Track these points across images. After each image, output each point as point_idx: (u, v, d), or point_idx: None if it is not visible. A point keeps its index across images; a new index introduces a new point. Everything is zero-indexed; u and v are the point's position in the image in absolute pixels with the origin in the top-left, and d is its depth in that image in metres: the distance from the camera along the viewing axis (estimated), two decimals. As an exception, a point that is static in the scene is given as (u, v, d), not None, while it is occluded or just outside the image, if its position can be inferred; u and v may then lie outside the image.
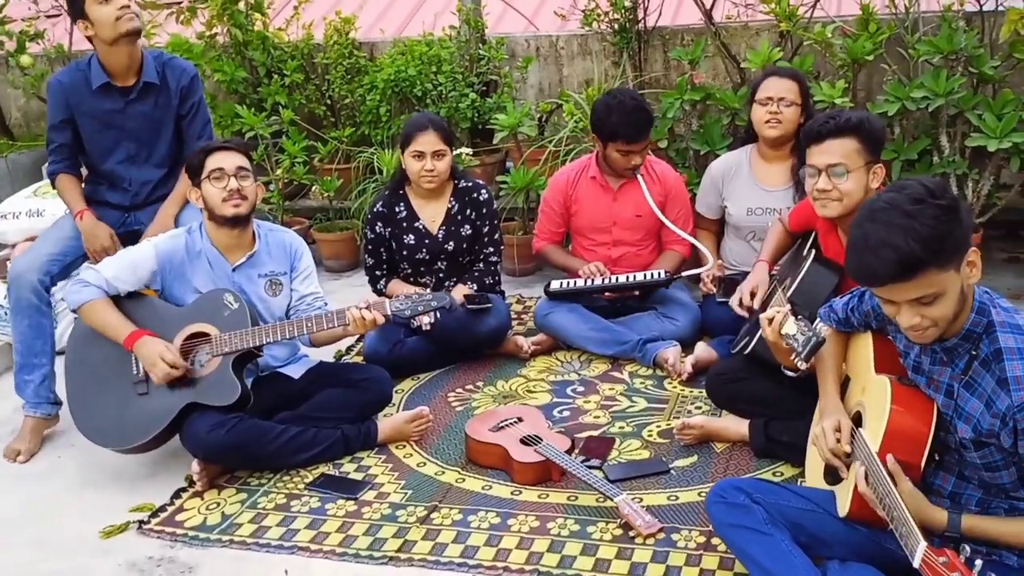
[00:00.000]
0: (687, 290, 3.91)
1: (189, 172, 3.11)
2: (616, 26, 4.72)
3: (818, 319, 2.47)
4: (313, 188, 5.11)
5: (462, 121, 4.93)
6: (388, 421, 3.17)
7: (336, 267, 5.02)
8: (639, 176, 3.78)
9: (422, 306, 3.02)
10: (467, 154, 4.66)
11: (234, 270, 3.15)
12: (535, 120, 4.83)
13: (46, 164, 3.62)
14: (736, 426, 2.98)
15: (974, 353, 1.98)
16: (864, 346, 2.35)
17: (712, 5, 4.58)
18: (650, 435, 3.11)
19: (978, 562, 1.71)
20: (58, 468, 3.17)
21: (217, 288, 3.07)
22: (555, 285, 3.81)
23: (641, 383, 3.49)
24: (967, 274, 1.92)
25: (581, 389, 3.47)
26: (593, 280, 3.73)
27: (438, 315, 3.50)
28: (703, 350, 3.50)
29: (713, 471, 2.86)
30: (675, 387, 3.43)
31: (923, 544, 1.77)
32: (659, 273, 3.73)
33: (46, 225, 3.94)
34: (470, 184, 3.82)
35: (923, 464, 2.08)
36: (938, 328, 1.95)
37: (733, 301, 3.21)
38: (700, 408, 3.23)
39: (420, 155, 3.62)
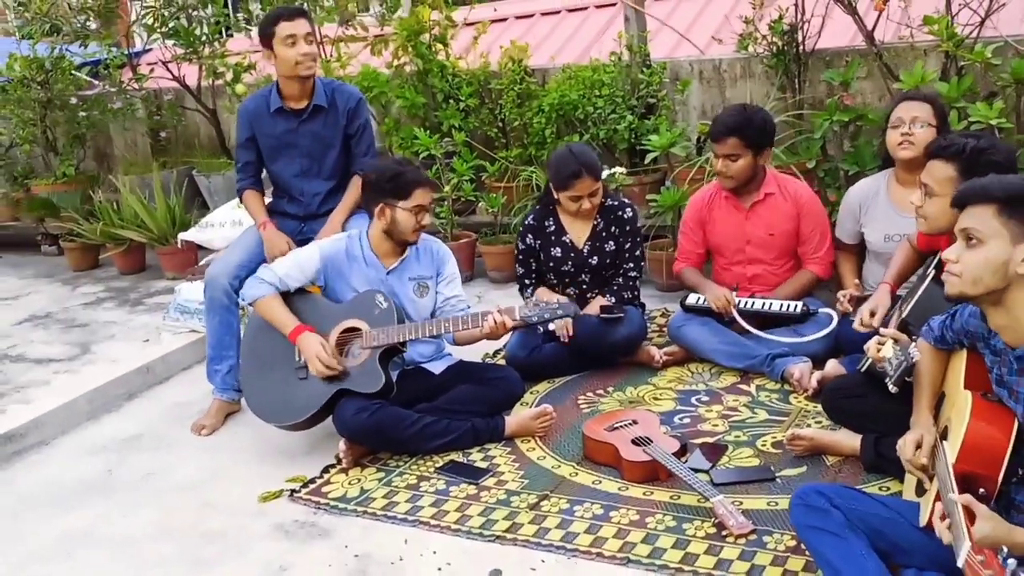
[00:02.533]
0: (827, 307, 3.92)
1: (387, 192, 3.38)
2: (775, 49, 4.78)
3: (917, 339, 2.50)
4: (480, 204, 5.46)
5: (620, 142, 5.14)
6: (515, 417, 3.42)
7: (499, 278, 5.34)
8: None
9: (548, 313, 3.25)
10: (621, 173, 4.86)
11: (388, 273, 3.51)
12: (691, 142, 4.96)
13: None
14: (849, 440, 3.01)
15: None
16: (958, 363, 2.37)
17: (874, 26, 4.55)
18: (764, 445, 3.19)
19: (1021, 573, 1.73)
20: (234, 442, 3.65)
21: (371, 289, 3.44)
22: (691, 300, 3.95)
23: (767, 396, 3.56)
24: (1018, 258, 1.96)
25: (706, 399, 3.58)
26: (724, 313, 3.83)
27: (573, 325, 3.74)
28: (832, 367, 3.52)
29: (820, 482, 2.90)
30: (800, 402, 3.48)
31: (967, 544, 1.82)
32: (795, 306, 3.78)
33: (244, 234, 4.50)
34: (616, 203, 4.02)
35: (1000, 478, 2.10)
36: (961, 280, 2.01)
37: (855, 323, 3.24)
38: (820, 423, 3.27)
39: (577, 198, 3.85)
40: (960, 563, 1.82)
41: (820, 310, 3.81)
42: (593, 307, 3.88)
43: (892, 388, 2.38)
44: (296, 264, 3.49)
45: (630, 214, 4.00)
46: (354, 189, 3.83)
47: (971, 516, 1.94)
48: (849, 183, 4.30)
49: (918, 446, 2.28)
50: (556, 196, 3.94)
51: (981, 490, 2.09)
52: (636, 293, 4.05)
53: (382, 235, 3.47)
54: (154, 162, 6.55)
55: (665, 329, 4.29)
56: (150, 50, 7.03)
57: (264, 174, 4.08)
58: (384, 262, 3.52)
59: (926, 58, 4.50)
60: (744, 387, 3.65)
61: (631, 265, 4.01)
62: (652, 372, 3.87)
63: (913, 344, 2.45)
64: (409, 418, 3.29)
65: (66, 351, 4.81)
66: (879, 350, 2.46)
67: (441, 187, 5.30)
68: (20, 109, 6.56)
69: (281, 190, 4.00)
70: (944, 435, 2.29)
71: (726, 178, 3.85)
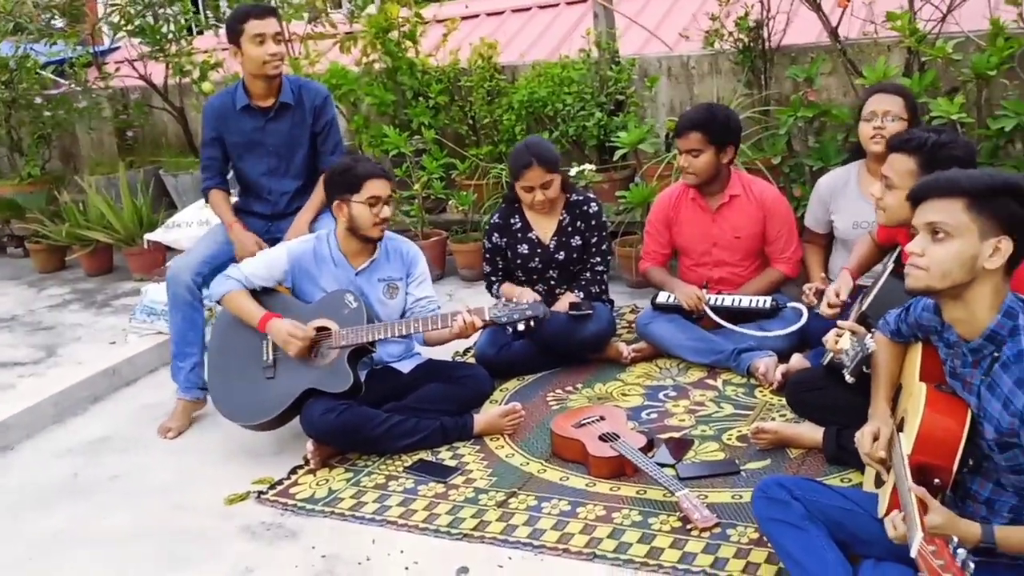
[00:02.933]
0: (796, 302, 3.95)
1: (339, 187, 3.39)
2: (740, 45, 4.81)
3: (873, 331, 2.54)
4: (450, 202, 5.46)
5: (589, 139, 5.16)
6: (483, 415, 3.43)
7: (469, 276, 5.34)
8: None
9: (518, 314, 3.26)
10: (590, 170, 4.87)
11: (357, 274, 3.50)
12: (659, 138, 4.98)
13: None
14: (811, 433, 3.04)
15: (996, 355, 2.02)
16: (915, 356, 2.40)
17: (838, 23, 4.59)
18: (729, 439, 3.22)
19: (971, 564, 1.77)
20: (202, 443, 3.63)
21: (340, 289, 3.43)
22: (661, 298, 3.97)
23: (733, 391, 3.59)
24: (986, 253, 1.97)
25: (673, 394, 3.61)
26: (694, 310, 3.85)
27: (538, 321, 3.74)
28: (797, 361, 3.55)
29: (783, 474, 2.93)
30: (765, 396, 3.51)
31: (919, 534, 1.85)
32: (765, 301, 3.81)
33: (211, 233, 4.47)
34: (581, 198, 4.04)
35: (955, 468, 2.13)
36: (926, 274, 2.02)
37: (822, 306, 3.28)
38: (784, 416, 3.30)
39: (530, 189, 3.87)
40: (913, 553, 1.84)
41: (789, 305, 3.84)
42: (562, 304, 3.90)
43: (849, 379, 2.41)
44: (263, 264, 3.47)
45: (595, 208, 4.02)
46: (321, 188, 3.81)
47: (925, 507, 1.97)
48: (814, 178, 4.33)
49: (875, 438, 2.31)
50: (516, 191, 3.95)
51: (936, 480, 2.12)
52: (604, 287, 4.07)
53: (346, 233, 3.46)
54: (121, 162, 6.48)
55: (634, 325, 4.31)
56: (117, 48, 6.97)
57: (230, 173, 4.06)
58: (353, 262, 3.51)
59: (889, 54, 4.55)
60: (711, 382, 3.68)
61: (598, 259, 4.02)
62: (621, 368, 3.89)
63: (869, 336, 2.48)
64: (377, 418, 3.28)
65: (31, 354, 4.77)
66: (837, 342, 2.49)
67: (411, 185, 5.30)
68: (-18, 110, 6.49)
69: (248, 189, 3.98)
70: (901, 427, 2.32)
71: (688, 174, 3.87)
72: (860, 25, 4.74)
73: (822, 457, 3.00)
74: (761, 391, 3.54)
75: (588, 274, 4.02)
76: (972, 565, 1.75)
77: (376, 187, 3.37)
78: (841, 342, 2.47)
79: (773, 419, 3.29)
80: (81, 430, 3.87)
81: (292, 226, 3.78)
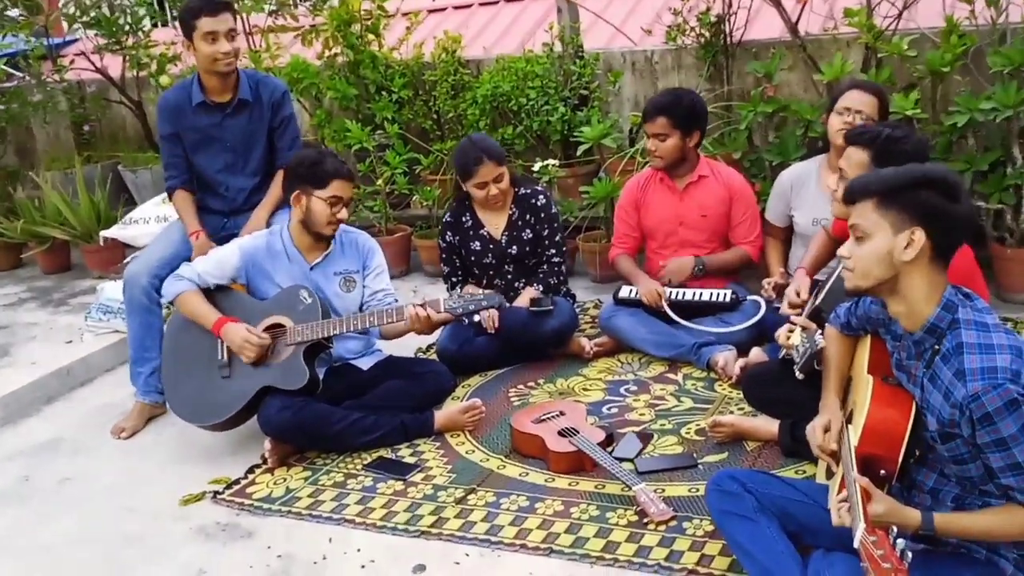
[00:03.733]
0: (755, 295, 3.97)
1: (304, 179, 3.34)
2: (702, 40, 4.82)
3: (824, 328, 2.55)
4: (414, 198, 5.42)
5: (553, 134, 5.14)
6: (444, 412, 3.41)
7: (434, 272, 5.29)
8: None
9: (474, 305, 3.24)
10: (554, 166, 4.86)
11: (312, 269, 3.47)
12: (623, 133, 4.98)
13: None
14: (767, 426, 3.06)
15: (936, 348, 2.05)
16: (864, 349, 2.42)
17: (798, 19, 4.62)
18: (688, 433, 3.22)
19: (908, 553, 1.79)
20: (157, 445, 3.58)
21: (295, 284, 3.40)
22: (624, 293, 3.98)
23: (692, 384, 3.60)
24: (901, 247, 2.00)
25: (634, 388, 3.61)
26: (656, 304, 3.85)
27: (504, 318, 3.74)
28: (756, 355, 3.57)
29: (740, 467, 2.94)
30: (724, 389, 3.52)
31: (862, 525, 1.86)
32: (724, 295, 3.82)
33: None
34: (528, 191, 4.03)
35: (900, 459, 2.14)
36: (854, 275, 2.08)
37: (783, 306, 3.29)
38: (743, 409, 3.31)
39: (483, 185, 3.85)
40: (856, 544, 1.86)
41: (748, 298, 3.86)
42: (523, 299, 3.89)
43: (799, 374, 2.43)
44: (215, 262, 3.43)
45: (543, 201, 4.01)
46: (277, 184, 3.75)
47: (868, 497, 1.99)
48: (774, 173, 4.36)
49: (826, 430, 2.32)
50: (466, 189, 3.93)
51: (882, 471, 2.14)
52: (563, 279, 4.07)
53: (300, 227, 3.42)
54: (78, 157, 6.38)
55: (598, 320, 4.31)
56: (76, 41, 6.84)
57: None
58: (307, 256, 3.48)
59: (848, 50, 4.57)
60: (672, 376, 3.69)
61: (553, 251, 4.02)
62: (583, 363, 3.88)
63: (819, 332, 2.49)
64: (335, 415, 3.25)
65: (-16, 353, 4.68)
66: (788, 337, 2.51)
67: (374, 180, 5.26)
68: (-67, 103, 6.36)
69: (205, 185, 3.91)
70: (850, 419, 2.33)
71: (655, 158, 3.89)
72: (820, 21, 4.76)
73: (778, 450, 3.01)
74: (720, 385, 3.56)
75: (545, 267, 4.02)
76: (910, 555, 1.78)
77: (340, 188, 3.34)
78: (792, 338, 2.49)
79: (731, 412, 3.30)
80: (32, 432, 3.80)
81: (249, 222, 3.73)
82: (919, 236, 1.99)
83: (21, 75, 6.68)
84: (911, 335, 2.09)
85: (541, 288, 3.93)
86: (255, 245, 3.45)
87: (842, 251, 2.11)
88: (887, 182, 2.03)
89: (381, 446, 3.30)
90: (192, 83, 3.81)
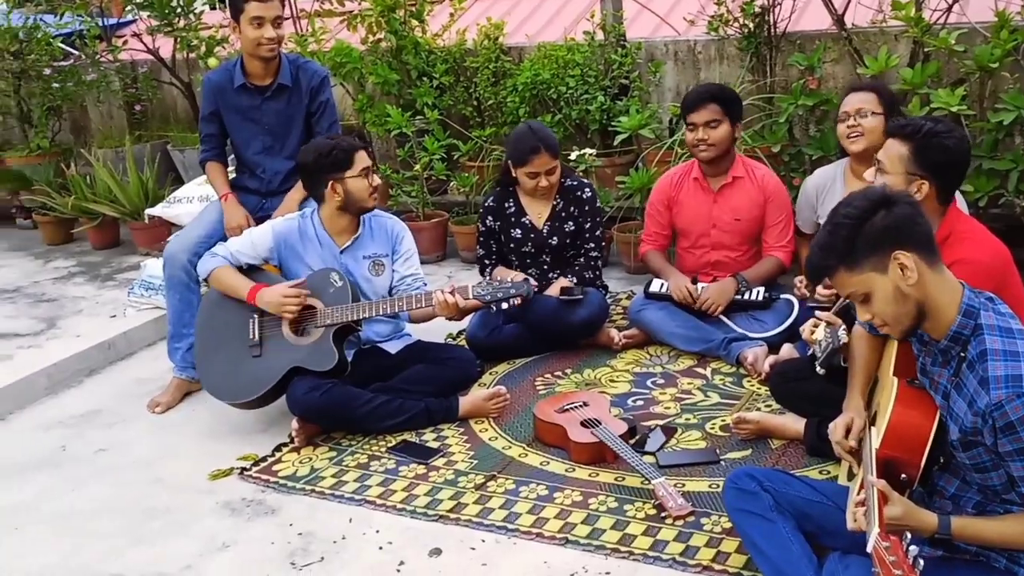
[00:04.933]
0: (788, 294, 3.93)
1: (330, 168, 3.38)
2: (745, 31, 4.76)
3: (843, 327, 2.52)
4: (452, 183, 5.45)
5: (592, 123, 5.12)
6: (468, 398, 3.43)
7: (470, 258, 5.31)
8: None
9: (502, 292, 3.25)
10: (591, 155, 4.85)
11: (341, 252, 3.51)
12: (663, 123, 4.95)
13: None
14: (793, 424, 3.03)
15: (963, 355, 2.01)
16: (891, 349, 2.39)
17: (844, 11, 4.54)
18: (712, 428, 3.21)
19: (920, 561, 1.76)
20: (189, 420, 3.65)
21: (326, 267, 3.44)
22: (654, 287, 3.96)
23: (721, 380, 3.57)
24: (899, 276, 1.97)
25: (661, 382, 3.60)
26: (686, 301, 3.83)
27: (533, 306, 3.74)
28: (787, 351, 3.53)
29: (763, 465, 2.93)
30: (753, 386, 3.49)
31: (876, 530, 1.84)
32: (758, 293, 3.79)
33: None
34: (575, 183, 4.02)
35: (922, 464, 2.11)
36: (891, 327, 2.04)
37: (818, 292, 3.27)
38: (770, 406, 3.29)
39: (535, 175, 3.85)
40: (869, 548, 1.84)
41: (782, 296, 3.82)
42: (554, 288, 3.89)
43: (819, 370, 2.40)
44: (249, 241, 3.49)
45: (589, 194, 4.00)
46: None
47: (885, 499, 1.97)
48: (813, 168, 4.30)
49: (848, 430, 2.30)
50: (514, 174, 3.93)
51: (903, 476, 2.11)
52: (598, 273, 4.05)
53: (336, 212, 3.46)
54: (128, 135, 6.50)
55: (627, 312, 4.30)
56: (132, 21, 6.96)
57: (229, 147, 4.07)
58: (337, 240, 3.52)
59: (896, 43, 4.49)
60: (700, 370, 3.67)
61: (592, 245, 4.01)
62: (611, 354, 3.88)
63: (843, 328, 2.46)
64: (362, 397, 3.29)
65: (31, 326, 4.81)
66: (812, 332, 2.48)
67: (412, 165, 5.29)
68: (-8, 80, 6.52)
69: (243, 166, 3.99)
70: (874, 420, 2.30)
71: (707, 147, 3.81)
72: (870, 14, 4.67)
73: (803, 449, 2.99)
74: (749, 381, 3.53)
75: (582, 259, 4.01)
76: (922, 562, 1.75)
77: (364, 158, 3.40)
78: (816, 333, 2.46)
79: (759, 409, 3.28)
80: (73, 402, 3.91)
81: (282, 204, 3.79)
82: (905, 258, 1.97)
83: (77, 54, 6.81)
84: (937, 343, 2.06)
85: (575, 280, 3.92)
86: (287, 227, 3.50)
87: (862, 317, 2.09)
88: (836, 249, 2.01)
89: (405, 430, 3.33)
90: (235, 65, 3.87)
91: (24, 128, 6.77)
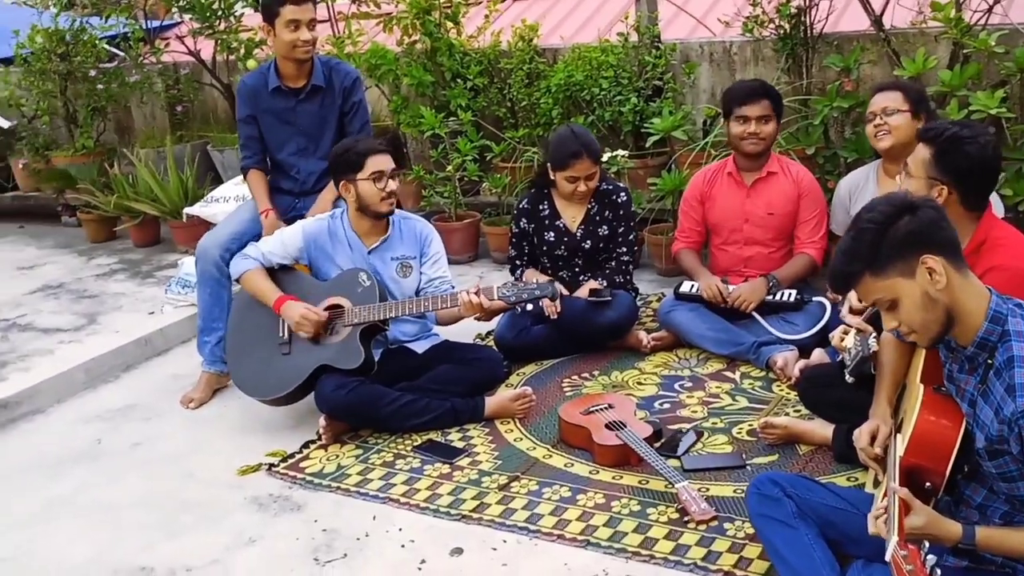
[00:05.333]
0: (820, 296, 3.89)
1: (343, 169, 3.45)
2: (781, 32, 4.72)
3: (873, 334, 2.49)
4: (484, 184, 5.46)
5: (625, 125, 5.11)
6: (495, 398, 3.44)
7: (502, 259, 5.30)
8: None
9: (527, 293, 3.26)
10: (623, 156, 4.84)
11: (370, 253, 3.54)
12: (696, 125, 4.92)
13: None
14: (821, 430, 3.00)
15: (990, 362, 1.98)
16: (919, 356, 2.36)
17: (882, 11, 4.48)
18: (739, 432, 3.19)
19: (938, 570, 1.74)
20: (221, 416, 3.71)
21: (354, 267, 3.47)
22: (684, 288, 3.94)
23: (750, 384, 3.55)
24: (927, 280, 1.94)
25: (689, 385, 3.58)
26: (716, 299, 3.81)
27: (562, 307, 3.75)
28: (818, 356, 3.50)
29: (789, 470, 2.90)
30: (782, 390, 3.46)
31: (894, 539, 1.82)
32: (790, 295, 3.75)
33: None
34: (610, 187, 4.01)
35: (947, 472, 2.08)
36: (919, 334, 2.00)
37: (843, 310, 3.22)
38: (799, 411, 3.26)
39: (574, 179, 3.85)
40: (887, 557, 1.82)
41: (814, 299, 3.78)
42: (583, 290, 3.89)
43: (848, 378, 2.37)
44: (280, 243, 3.53)
45: (624, 198, 3.99)
46: None
47: (907, 508, 1.94)
48: (848, 170, 4.25)
49: (873, 437, 2.27)
50: (552, 176, 3.93)
51: (927, 484, 2.08)
52: (628, 277, 4.04)
53: (357, 213, 3.50)
54: (169, 136, 6.62)
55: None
56: (179, 23, 7.08)
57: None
58: (365, 241, 3.55)
59: (936, 45, 4.42)
60: (729, 374, 3.64)
61: (624, 249, 4.00)
62: (640, 357, 3.87)
63: (873, 335, 2.43)
64: (389, 396, 3.32)
65: (73, 321, 4.91)
66: (842, 339, 2.46)
67: (445, 166, 5.32)
68: (41, 81, 6.66)
69: (278, 167, 4.03)
70: (900, 427, 2.27)
71: (759, 140, 3.80)
72: (910, 14, 4.60)
73: (831, 455, 2.95)
74: (778, 386, 3.50)
75: (613, 263, 4.00)
76: (939, 572, 1.73)
77: (378, 162, 3.41)
78: (846, 340, 2.44)
79: (787, 414, 3.25)
80: (110, 397, 3.98)
81: (315, 204, 3.83)
82: (933, 260, 1.93)
83: (122, 56, 6.94)
84: (964, 350, 2.03)
85: (604, 283, 3.92)
86: (318, 228, 3.54)
87: (888, 326, 2.05)
88: (861, 254, 1.97)
89: (431, 429, 3.35)
90: (270, 68, 3.93)
91: (71, 128, 6.91)
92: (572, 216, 4.01)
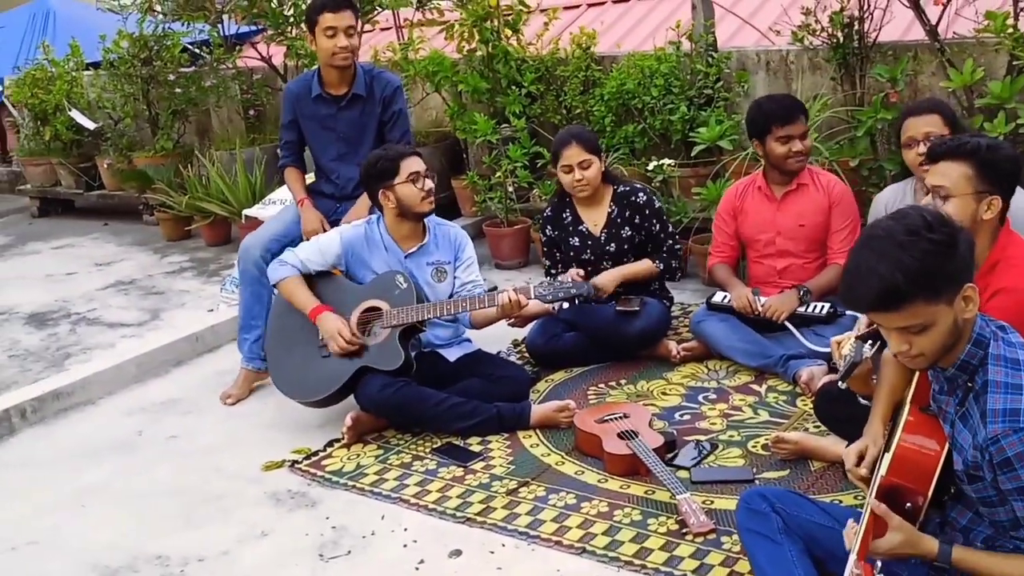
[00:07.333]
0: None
1: (379, 178, 3.53)
2: (833, 41, 4.64)
3: (869, 341, 2.44)
4: (534, 191, 5.51)
5: (674, 133, 5.09)
6: (540, 407, 3.46)
7: (551, 265, 5.37)
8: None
9: (563, 292, 3.30)
10: (669, 165, 4.82)
11: (406, 257, 3.62)
12: (745, 133, 4.85)
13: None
14: (834, 446, 2.95)
15: (970, 385, 1.94)
16: (914, 376, 2.31)
17: (937, 21, 4.36)
18: (754, 447, 3.16)
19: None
20: (256, 412, 3.85)
21: (391, 270, 3.56)
22: (717, 298, 3.92)
23: (774, 398, 3.51)
24: (962, 308, 1.89)
25: (713, 397, 3.56)
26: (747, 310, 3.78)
27: (591, 316, 3.78)
28: (841, 371, 3.43)
29: (799, 486, 2.87)
30: (806, 405, 3.41)
31: (853, 556, 1.80)
32: (822, 308, 3.70)
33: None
34: (628, 188, 4.03)
35: (929, 493, 2.04)
36: (926, 358, 1.94)
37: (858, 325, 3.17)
38: (819, 428, 3.21)
39: (568, 169, 3.89)
40: (846, 574, 1.80)
41: (847, 312, 3.72)
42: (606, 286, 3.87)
43: (841, 385, 2.34)
44: (317, 249, 3.64)
45: (643, 197, 3.99)
46: None
47: (884, 527, 1.92)
48: (893, 183, 4.15)
49: (861, 456, 2.24)
50: (557, 176, 4.01)
51: (908, 504, 2.04)
52: (682, 264, 4.12)
53: (396, 219, 3.58)
54: (242, 139, 6.86)
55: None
56: (261, 30, 7.33)
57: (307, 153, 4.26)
58: (402, 246, 3.63)
59: (995, 56, 4.28)
60: (755, 387, 3.61)
61: (663, 237, 4.01)
62: (669, 367, 3.86)
63: (869, 343, 2.39)
64: (434, 397, 3.37)
65: (138, 317, 5.16)
66: (842, 348, 2.42)
67: (497, 172, 5.39)
68: (125, 84, 7.00)
69: (319, 171, 4.18)
70: (888, 446, 2.24)
71: (801, 157, 3.80)
72: (968, 24, 4.46)
73: (843, 472, 2.89)
74: (803, 400, 3.45)
75: (666, 252, 4.00)
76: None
77: (411, 164, 3.50)
78: (844, 348, 2.40)
79: (806, 430, 3.21)
80: (157, 391, 4.17)
81: (352, 210, 3.94)
82: (972, 292, 1.89)
83: (201, 61, 7.24)
84: (943, 371, 1.99)
85: (662, 267, 3.95)
86: (355, 234, 3.64)
87: (896, 348, 1.94)
88: (916, 280, 1.83)
89: (475, 433, 3.38)
90: (313, 75, 4.06)
91: (152, 130, 7.24)
92: (594, 221, 4.04)
